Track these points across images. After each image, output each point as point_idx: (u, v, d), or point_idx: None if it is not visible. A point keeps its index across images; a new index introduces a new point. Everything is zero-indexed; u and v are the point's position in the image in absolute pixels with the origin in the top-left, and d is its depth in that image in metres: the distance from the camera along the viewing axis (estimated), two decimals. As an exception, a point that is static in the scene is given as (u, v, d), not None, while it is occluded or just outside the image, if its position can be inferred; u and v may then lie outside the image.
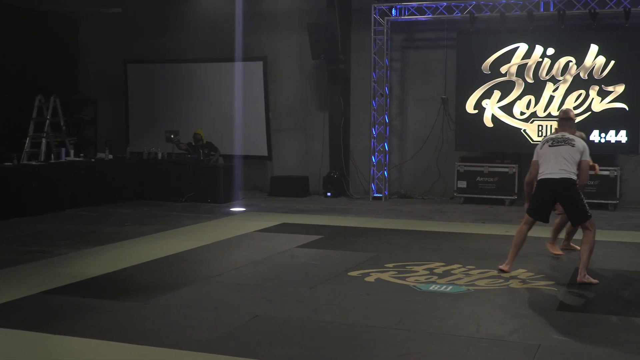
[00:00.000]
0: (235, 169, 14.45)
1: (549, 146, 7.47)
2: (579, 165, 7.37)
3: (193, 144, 14.68)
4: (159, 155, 14.51)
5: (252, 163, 15.97)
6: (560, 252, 8.57)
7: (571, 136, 7.52)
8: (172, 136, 14.43)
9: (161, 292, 6.73)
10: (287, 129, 16.07)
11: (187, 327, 5.64)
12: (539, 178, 7.47)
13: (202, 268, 7.94)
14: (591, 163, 7.58)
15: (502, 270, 7.55)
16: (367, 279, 7.33)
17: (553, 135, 7.64)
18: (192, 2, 16.49)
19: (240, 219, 11.77)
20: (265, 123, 15.92)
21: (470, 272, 7.61)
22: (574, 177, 7.28)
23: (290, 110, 16.02)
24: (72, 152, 13.69)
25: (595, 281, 7.13)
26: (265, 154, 16.02)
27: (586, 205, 7.30)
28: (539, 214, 7.49)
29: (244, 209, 12.98)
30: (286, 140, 16.09)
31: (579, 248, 8.01)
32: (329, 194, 15.02)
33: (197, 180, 14.07)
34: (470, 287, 6.95)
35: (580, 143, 7.43)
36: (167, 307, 6.22)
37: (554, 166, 7.30)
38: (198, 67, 16.38)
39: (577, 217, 7.33)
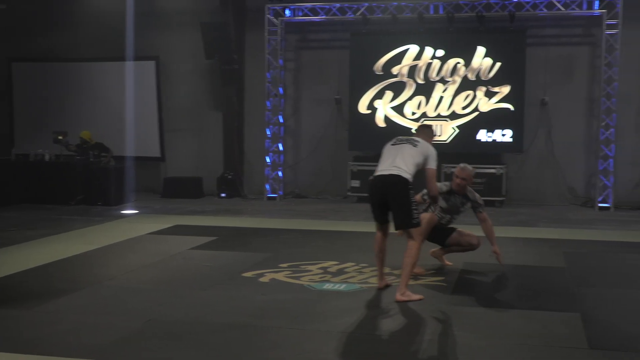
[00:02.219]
0: (127, 170, 14.19)
1: (391, 145, 6.88)
2: (425, 171, 6.76)
3: (84, 145, 14.30)
4: (47, 157, 14.09)
5: (145, 164, 15.73)
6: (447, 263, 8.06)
7: (418, 138, 6.88)
8: (60, 137, 14.05)
9: (51, 298, 6.56)
10: (181, 130, 15.92)
11: (79, 333, 5.52)
12: (373, 177, 6.87)
13: (94, 272, 7.77)
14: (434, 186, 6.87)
15: (380, 288, 6.96)
16: (262, 279, 7.36)
17: (401, 136, 7.05)
18: (81, -1, 16.12)
19: (132, 222, 11.59)
20: (158, 123, 15.71)
21: (363, 270, 7.74)
22: (407, 177, 6.56)
23: (184, 110, 15.87)
24: (-48, 154, 13.15)
25: (418, 297, 6.51)
26: (158, 154, 15.82)
27: (414, 211, 6.56)
28: (375, 217, 6.89)
29: (137, 211, 12.78)
30: (180, 141, 15.93)
31: (448, 263, 8.03)
32: (223, 194, 14.96)
33: (87, 183, 13.75)
34: (363, 285, 7.08)
35: (425, 146, 6.77)
36: (57, 314, 6.06)
37: (389, 164, 6.67)
38: (88, 67, 16.01)
39: (400, 220, 6.58)
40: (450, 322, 5.86)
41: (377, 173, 6.72)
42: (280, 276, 7.48)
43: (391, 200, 6.58)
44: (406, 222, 6.55)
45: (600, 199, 13.54)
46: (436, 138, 13.87)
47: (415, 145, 6.73)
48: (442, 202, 7.62)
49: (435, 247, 8.12)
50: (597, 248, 9.36)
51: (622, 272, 7.87)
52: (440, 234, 7.89)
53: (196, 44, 15.19)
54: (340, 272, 7.67)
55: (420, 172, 6.79)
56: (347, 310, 6.16)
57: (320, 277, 7.41)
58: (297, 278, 7.39)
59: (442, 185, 7.71)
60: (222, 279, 7.38)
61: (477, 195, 7.84)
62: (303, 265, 8.03)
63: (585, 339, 5.35)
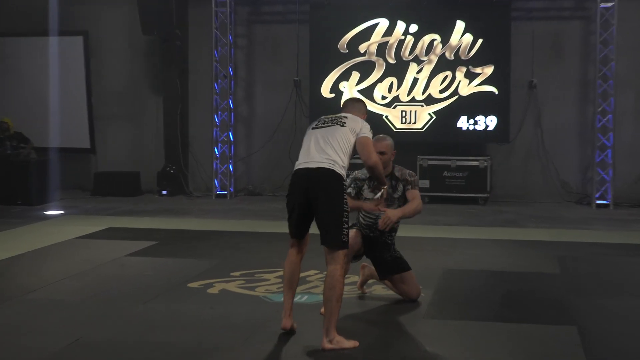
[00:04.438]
0: (51, 164, 14.02)
1: (313, 128, 6.07)
2: (356, 143, 5.90)
3: (0, 135, 14.09)
4: (-44, 149, 13.86)
5: (72, 157, 15.54)
6: None
7: (346, 114, 6.07)
8: (-29, 126, 13.84)
9: (-40, 315, 6.43)
10: (114, 117, 15.75)
11: (-8, 356, 5.41)
12: (293, 171, 6.03)
13: (12, 284, 7.65)
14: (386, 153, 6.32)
15: (284, 329, 5.94)
16: (210, 290, 7.30)
17: (323, 116, 6.18)
18: (-5, -36, 15.85)
19: (57, 224, 11.45)
20: (88, 110, 15.52)
21: (327, 279, 7.70)
22: (340, 171, 5.71)
23: (118, 94, 15.71)
24: None
25: (352, 344, 5.57)
26: (88, 145, 15.63)
27: (345, 224, 5.66)
28: (291, 224, 6.00)
29: (63, 212, 12.65)
30: (113, 130, 15.76)
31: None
32: (164, 192, 14.85)
33: (3, 179, 13.53)
34: (328, 296, 7.04)
35: (355, 121, 5.94)
36: (-33, 333, 5.94)
37: (315, 153, 5.82)
38: (2, 42, 15.74)
39: (327, 233, 5.67)
40: (427, 337, 5.85)
41: (299, 166, 5.89)
42: (232, 286, 7.43)
43: (318, 201, 5.68)
44: (334, 239, 5.63)
45: (597, 195, 13.67)
46: (411, 126, 13.92)
47: (343, 125, 5.88)
48: (367, 193, 6.73)
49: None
50: (594, 251, 9.45)
51: (622, 278, 7.95)
52: (380, 258, 6.88)
53: (132, 18, 15.03)
54: (302, 281, 7.59)
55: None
56: (310, 324, 6.12)
57: (279, 287, 7.35)
58: (252, 289, 7.34)
59: (362, 172, 6.76)
60: (164, 290, 7.30)
61: (406, 171, 6.93)
62: (258, 273, 7.98)
63: (583, 357, 5.37)
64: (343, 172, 5.73)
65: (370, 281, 7.28)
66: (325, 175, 5.67)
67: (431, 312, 6.57)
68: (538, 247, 9.63)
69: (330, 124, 5.94)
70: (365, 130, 5.89)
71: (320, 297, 6.90)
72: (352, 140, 5.84)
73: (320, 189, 5.67)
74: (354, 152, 5.89)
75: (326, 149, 5.77)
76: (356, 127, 5.88)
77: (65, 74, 15.32)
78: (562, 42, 14.32)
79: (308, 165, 5.78)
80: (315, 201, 5.69)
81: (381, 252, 6.85)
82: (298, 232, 5.96)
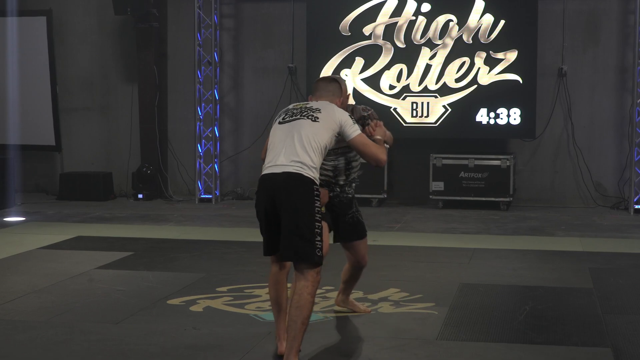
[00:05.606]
0: (10, 163, 14.00)
1: (280, 123, 5.86)
2: (352, 145, 5.88)
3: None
4: None
5: (34, 155, 15.56)
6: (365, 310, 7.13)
7: (318, 104, 5.91)
8: None
9: None
10: (83, 109, 15.75)
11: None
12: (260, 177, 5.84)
13: (-34, 301, 7.68)
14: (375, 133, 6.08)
15: (281, 354, 5.88)
16: (194, 307, 7.33)
17: (291, 106, 6.03)
18: None
19: (17, 232, 11.50)
20: (52, 101, 15.51)
21: (327, 295, 7.73)
22: (311, 175, 5.58)
23: (86, 82, 15.71)
24: None
25: None
26: (52, 142, 15.61)
27: (318, 234, 5.52)
28: (265, 243, 5.83)
29: (23, 219, 12.68)
30: (81, 124, 15.76)
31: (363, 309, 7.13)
32: (140, 195, 14.86)
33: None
34: (328, 315, 7.08)
35: (330, 115, 5.80)
36: None
37: (279, 153, 5.67)
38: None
39: (295, 248, 5.51)
40: (443, 362, 5.88)
41: (264, 170, 5.75)
42: (218, 303, 7.46)
43: (283, 210, 5.56)
44: (306, 253, 5.48)
45: (636, 199, 13.67)
46: (423, 120, 13.91)
47: (315, 119, 5.72)
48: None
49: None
50: (632, 263, 9.46)
51: (665, 294, 7.98)
52: (340, 219, 6.64)
53: (102, -5, 15.08)
54: (298, 297, 7.64)
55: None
56: (306, 346, 6.13)
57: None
58: (241, 306, 7.37)
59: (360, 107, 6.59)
60: (140, 307, 7.33)
61: (358, 108, 6.58)
62: (248, 289, 8.02)
63: (619, 382, 5.42)
64: (314, 174, 5.60)
65: (375, 298, 7.29)
66: (291, 180, 5.53)
67: (446, 333, 6.59)
68: (568, 259, 9.65)
69: (299, 117, 5.76)
70: (349, 125, 5.78)
71: (320, 316, 6.97)
72: (326, 137, 5.69)
73: (285, 196, 5.53)
74: (329, 147, 5.79)
75: (294, 148, 5.62)
76: (332, 122, 5.75)
77: (25, 60, 15.31)
78: (597, 23, 14.31)
79: (273, 169, 5.64)
80: (282, 208, 5.55)
81: (344, 210, 6.62)
82: (271, 248, 5.79)
